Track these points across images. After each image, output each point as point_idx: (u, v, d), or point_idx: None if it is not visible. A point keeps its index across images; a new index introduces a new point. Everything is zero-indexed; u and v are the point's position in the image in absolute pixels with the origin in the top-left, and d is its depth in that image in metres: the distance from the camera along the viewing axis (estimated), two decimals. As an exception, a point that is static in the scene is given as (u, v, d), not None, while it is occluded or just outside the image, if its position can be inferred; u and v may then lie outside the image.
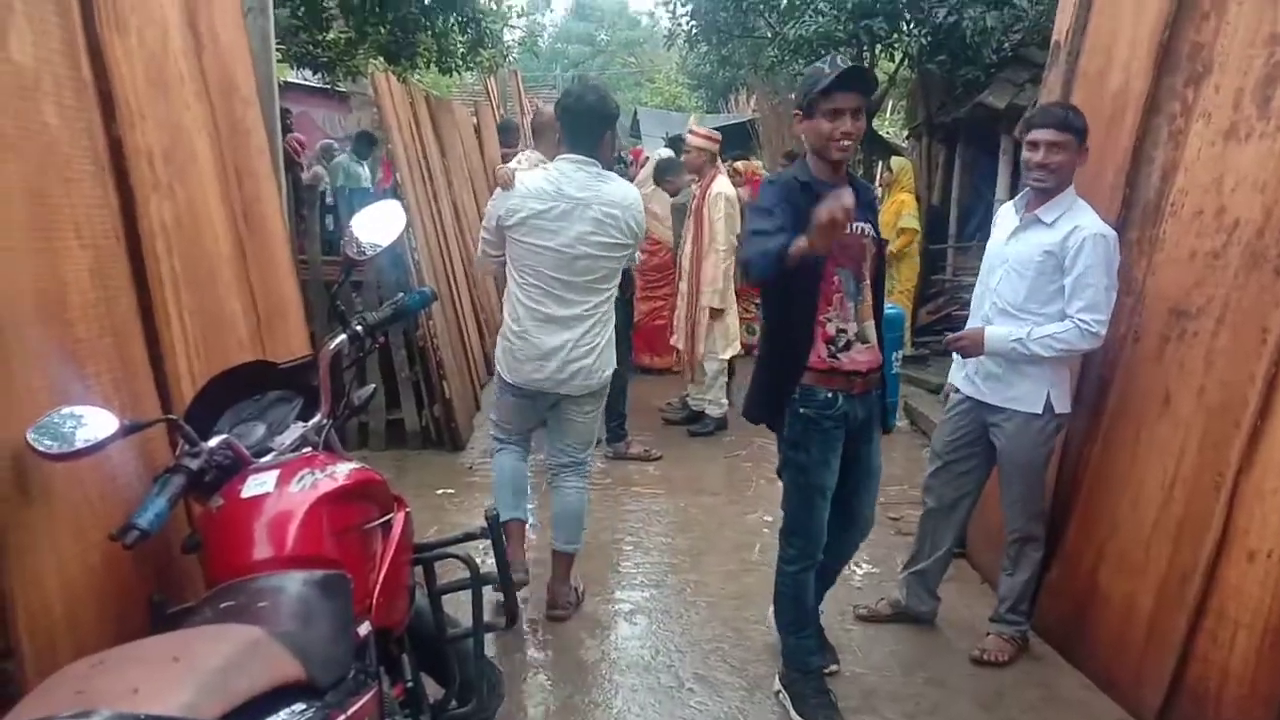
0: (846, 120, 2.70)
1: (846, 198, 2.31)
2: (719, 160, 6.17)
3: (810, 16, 8.37)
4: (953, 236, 9.46)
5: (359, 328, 2.16)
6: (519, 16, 9.88)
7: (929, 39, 8.29)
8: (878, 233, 2.99)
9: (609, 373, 3.60)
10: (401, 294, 2.28)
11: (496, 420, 3.86)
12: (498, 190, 3.48)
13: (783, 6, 9.11)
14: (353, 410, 2.34)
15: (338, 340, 2.14)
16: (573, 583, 3.71)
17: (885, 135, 14.07)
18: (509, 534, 3.56)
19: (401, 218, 2.17)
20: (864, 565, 4.10)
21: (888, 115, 17.03)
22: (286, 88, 12.32)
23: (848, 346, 2.86)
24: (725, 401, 6.20)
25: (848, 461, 2.95)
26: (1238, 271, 2.79)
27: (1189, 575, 2.76)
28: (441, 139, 7.41)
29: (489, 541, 2.28)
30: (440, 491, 4.89)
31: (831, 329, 2.84)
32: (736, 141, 14.00)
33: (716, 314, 5.90)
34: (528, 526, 3.96)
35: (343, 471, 1.97)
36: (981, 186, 9.08)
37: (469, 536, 2.30)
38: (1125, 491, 3.11)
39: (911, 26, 8.55)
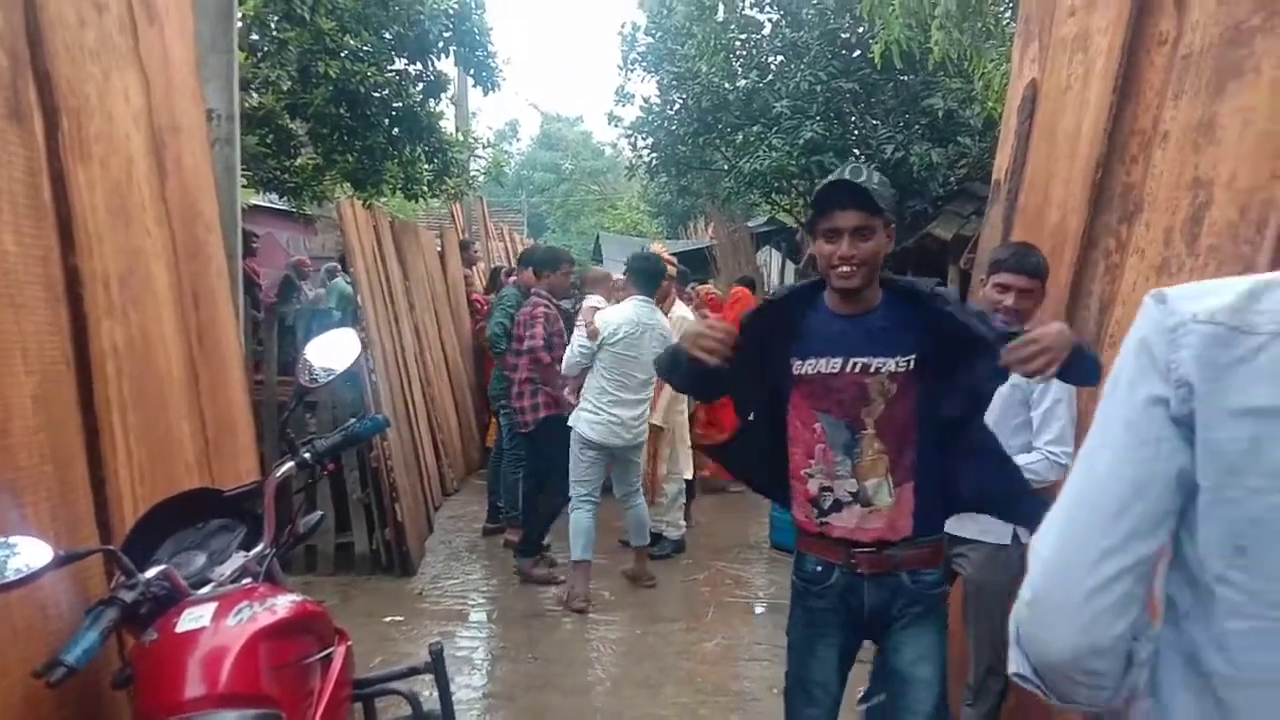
0: (844, 242, 2.25)
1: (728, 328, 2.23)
2: (676, 284, 6.30)
3: (764, 152, 8.73)
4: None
5: (307, 455, 2.14)
6: (485, 147, 10.11)
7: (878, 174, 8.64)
8: (925, 370, 2.34)
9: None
10: (354, 419, 2.26)
11: (576, 479, 5.17)
12: (582, 328, 5.18)
13: (738, 142, 9.48)
14: (298, 539, 2.30)
15: (285, 468, 2.12)
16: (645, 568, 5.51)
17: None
18: (579, 572, 5.08)
19: (356, 345, 2.18)
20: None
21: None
22: (253, 210, 12.48)
23: (837, 508, 2.35)
24: (684, 523, 6.15)
25: (876, 664, 2.47)
26: (1177, 401, 2.85)
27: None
28: (405, 262, 7.49)
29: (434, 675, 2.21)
30: (388, 619, 4.74)
31: (813, 486, 2.38)
32: (695, 267, 14.36)
33: (656, 430, 5.88)
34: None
35: (283, 604, 1.91)
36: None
37: (413, 671, 2.23)
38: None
39: (861, 162, 8.92)
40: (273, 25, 6.61)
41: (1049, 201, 3.73)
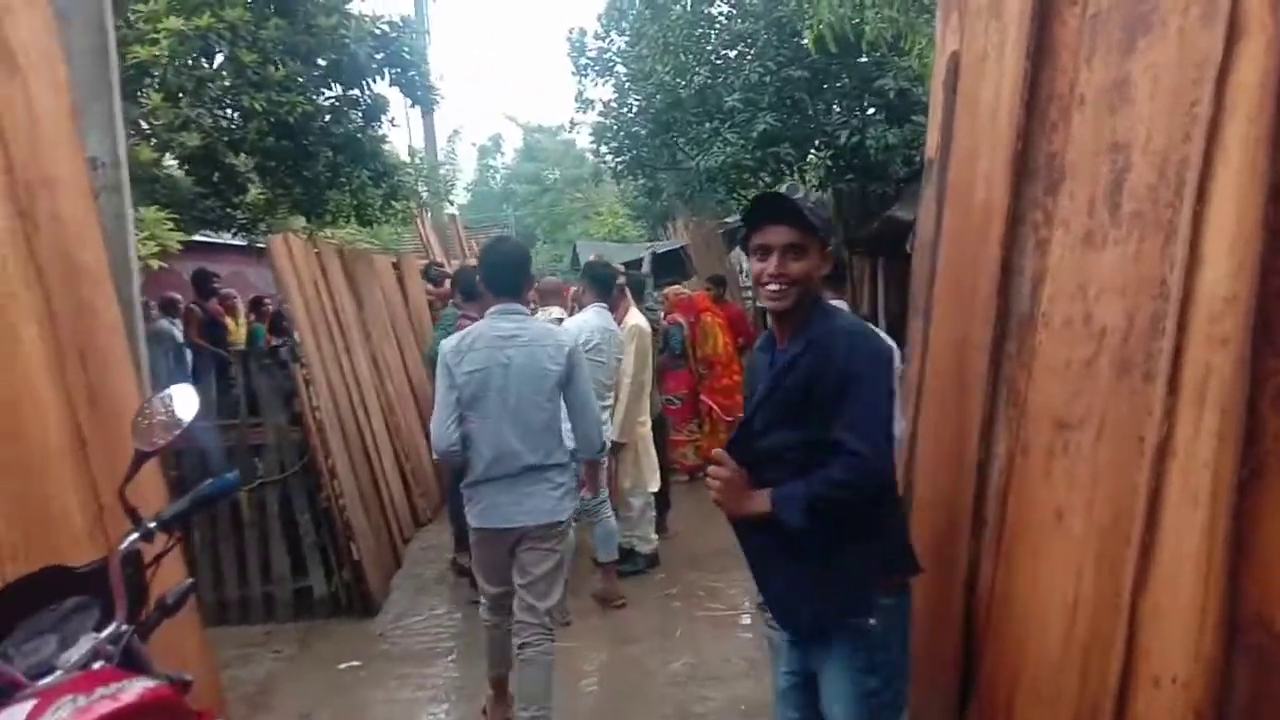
0: (773, 259, 2.23)
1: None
2: (629, 291, 6.15)
3: (719, 147, 8.59)
4: (885, 346, 9.50)
5: (152, 525, 1.99)
6: (438, 168, 10.00)
7: (836, 161, 8.51)
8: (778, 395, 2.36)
9: None
10: (209, 480, 2.12)
11: None
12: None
13: (698, 138, 9.35)
14: (166, 611, 2.14)
15: (129, 540, 1.97)
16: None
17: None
18: None
19: (194, 401, 2.03)
20: None
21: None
22: (219, 249, 12.36)
23: None
24: (654, 537, 5.99)
25: None
26: (1110, 380, 2.71)
27: (1099, 704, 2.57)
28: (359, 292, 7.36)
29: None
30: (344, 666, 4.59)
31: None
32: (672, 267, 14.21)
33: (617, 448, 5.57)
34: None
35: (125, 691, 1.76)
36: (906, 295, 9.18)
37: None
38: (1031, 615, 2.94)
39: (818, 150, 8.78)
40: (189, 63, 6.47)
41: (976, 176, 3.58)
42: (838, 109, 8.78)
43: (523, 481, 3.43)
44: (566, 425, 3.61)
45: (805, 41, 8.93)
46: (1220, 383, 2.26)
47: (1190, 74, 2.53)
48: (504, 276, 3.61)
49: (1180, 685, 2.32)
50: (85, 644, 1.92)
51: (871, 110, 8.60)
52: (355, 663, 4.62)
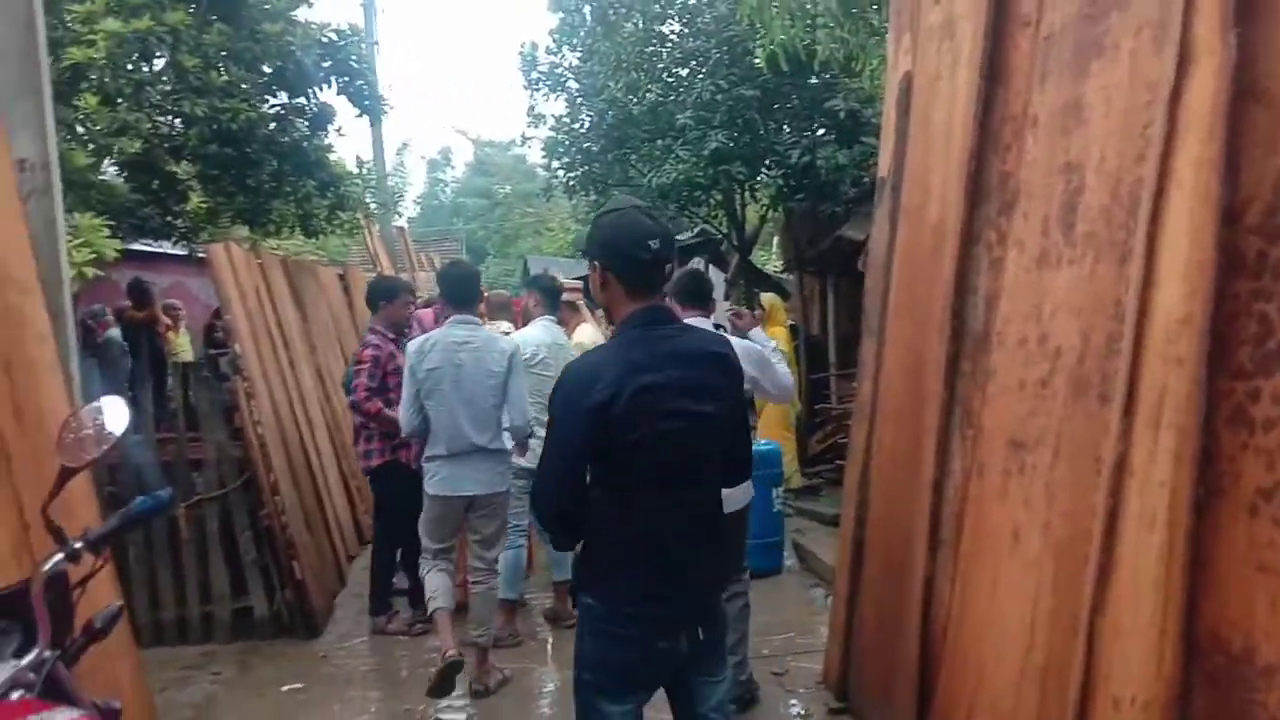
0: None
1: None
2: (581, 309, 6.11)
3: (671, 164, 8.58)
4: (834, 364, 9.55)
5: (79, 545, 1.88)
6: (386, 177, 9.84)
7: (787, 180, 8.55)
8: None
9: None
10: (140, 498, 2.00)
11: (515, 511, 4.86)
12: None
13: (650, 154, 9.34)
14: (93, 635, 2.02)
15: (52, 561, 1.85)
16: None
17: (769, 270, 14.45)
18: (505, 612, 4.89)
19: (125, 414, 1.92)
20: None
21: (772, 251, 17.56)
22: (159, 259, 12.02)
23: None
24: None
25: None
26: (1065, 400, 2.72)
27: (1059, 728, 2.56)
28: (303, 304, 7.19)
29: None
30: (287, 688, 4.43)
31: None
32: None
33: None
34: None
35: (47, 725, 1.65)
36: (857, 314, 9.23)
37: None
38: (989, 635, 2.93)
39: (770, 168, 8.82)
40: (128, 67, 6.28)
41: (929, 196, 3.59)
42: (788, 129, 8.84)
43: (474, 458, 4.18)
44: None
45: (757, 61, 8.99)
46: (1176, 403, 2.26)
47: (1143, 96, 2.56)
48: (460, 292, 4.38)
49: (1140, 706, 2.31)
50: (4, 671, 1.80)
51: (822, 131, 8.66)
52: (298, 685, 4.45)
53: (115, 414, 1.92)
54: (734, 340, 3.98)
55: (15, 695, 1.77)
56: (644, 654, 2.26)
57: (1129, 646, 2.38)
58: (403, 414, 4.26)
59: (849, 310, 9.50)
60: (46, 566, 1.85)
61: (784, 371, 4.10)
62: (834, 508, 7.29)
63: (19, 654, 1.86)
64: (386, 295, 5.32)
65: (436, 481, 4.19)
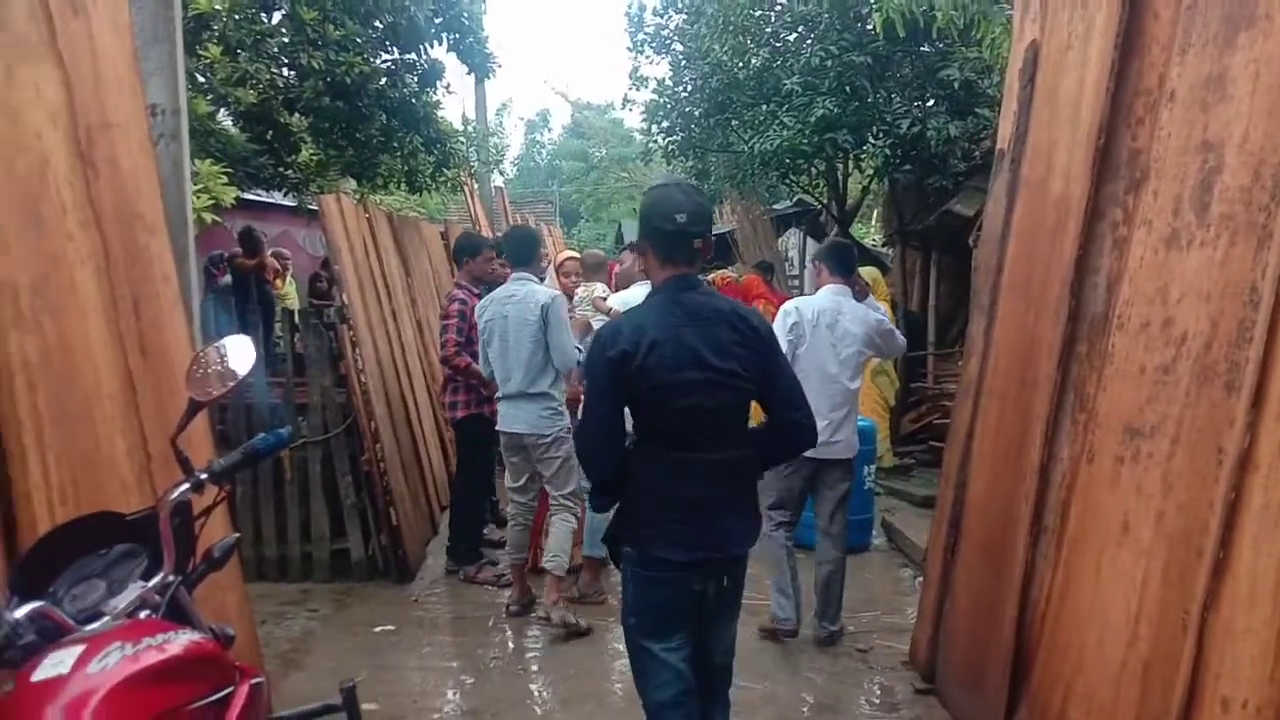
0: None
1: None
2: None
3: (775, 130, 8.43)
4: (932, 344, 9.33)
5: (204, 476, 1.96)
6: (488, 136, 9.93)
7: (894, 150, 8.33)
8: None
9: None
10: (261, 435, 2.08)
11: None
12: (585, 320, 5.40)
13: (751, 121, 9.20)
14: (212, 564, 2.12)
15: (179, 490, 1.94)
16: None
17: (869, 244, 14.16)
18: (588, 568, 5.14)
19: (250, 353, 1.99)
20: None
21: (872, 224, 17.20)
22: (267, 208, 12.42)
23: None
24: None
25: None
26: (1189, 388, 2.60)
27: (1159, 723, 2.48)
28: (406, 258, 7.34)
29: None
30: (379, 629, 4.58)
31: None
32: (719, 252, 14.07)
33: None
34: None
35: (171, 642, 1.74)
36: (959, 292, 8.98)
37: (328, 709, 2.04)
38: (1090, 625, 2.85)
39: (877, 138, 8.60)
40: (249, 18, 6.45)
41: (1052, 171, 3.45)
42: (898, 98, 8.57)
43: (519, 400, 4.61)
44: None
45: (870, 26, 8.76)
46: (1313, 396, 2.15)
47: (1298, 70, 2.41)
48: (519, 252, 4.84)
49: (1251, 710, 2.22)
50: (132, 592, 1.90)
51: (933, 101, 8.39)
52: (389, 626, 4.61)
53: (241, 353, 1.99)
54: (857, 304, 4.18)
55: (143, 614, 1.86)
56: (679, 594, 2.53)
57: (1241, 646, 2.29)
58: (480, 361, 4.79)
59: (951, 287, 9.25)
60: (174, 495, 1.94)
61: (900, 335, 4.64)
62: (925, 489, 7.17)
63: (146, 576, 1.97)
64: (470, 251, 5.50)
65: (500, 420, 4.72)
